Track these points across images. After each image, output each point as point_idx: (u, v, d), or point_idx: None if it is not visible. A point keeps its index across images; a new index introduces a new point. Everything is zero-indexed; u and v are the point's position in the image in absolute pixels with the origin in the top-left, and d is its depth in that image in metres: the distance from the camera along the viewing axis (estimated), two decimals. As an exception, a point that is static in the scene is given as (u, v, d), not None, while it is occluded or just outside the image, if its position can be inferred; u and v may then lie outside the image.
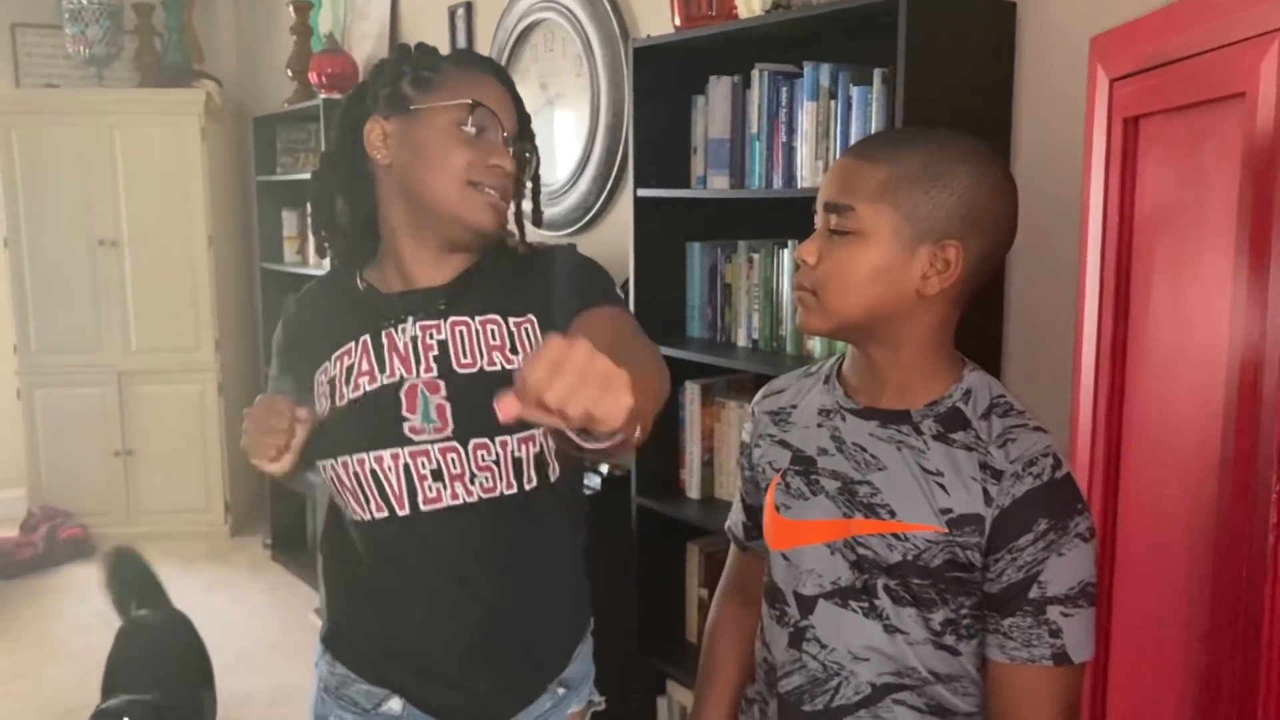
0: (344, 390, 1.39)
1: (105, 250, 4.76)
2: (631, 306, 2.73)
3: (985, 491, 1.13)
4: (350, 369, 1.39)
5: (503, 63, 3.55)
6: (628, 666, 2.72)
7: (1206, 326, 1.13)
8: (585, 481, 2.91)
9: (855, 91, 2.19)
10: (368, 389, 1.38)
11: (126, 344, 4.84)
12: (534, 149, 1.44)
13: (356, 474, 1.36)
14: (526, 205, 1.47)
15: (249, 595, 4.38)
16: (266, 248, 4.81)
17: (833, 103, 2.25)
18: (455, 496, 1.36)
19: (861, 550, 1.19)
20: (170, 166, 4.77)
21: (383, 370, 1.38)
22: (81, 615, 4.03)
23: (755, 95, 2.43)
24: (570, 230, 3.36)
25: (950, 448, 1.16)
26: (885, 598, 1.18)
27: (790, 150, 2.36)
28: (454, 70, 1.38)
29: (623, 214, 2.97)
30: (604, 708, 1.58)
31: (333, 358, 1.41)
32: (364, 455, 1.36)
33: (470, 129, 1.34)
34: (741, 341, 2.59)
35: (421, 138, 1.35)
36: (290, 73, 4.50)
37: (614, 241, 3.17)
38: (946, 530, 1.14)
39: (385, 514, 1.37)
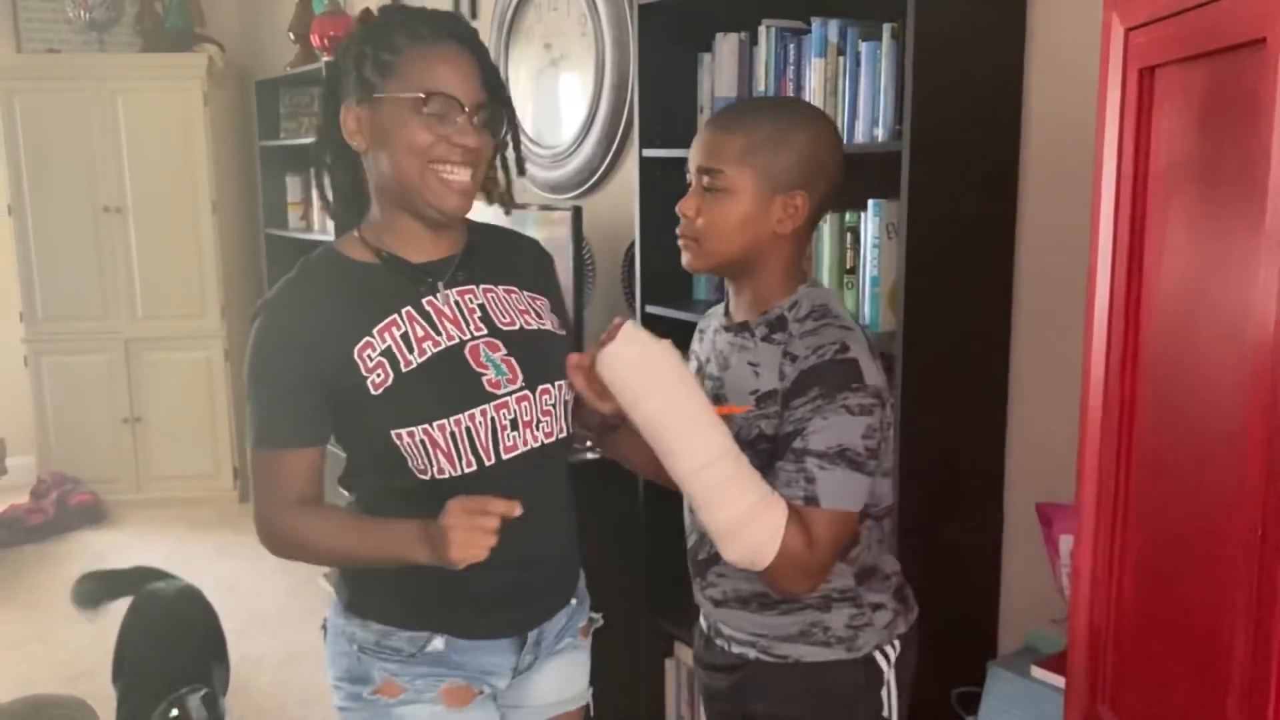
0: (409, 358, 1.43)
1: (110, 217, 4.74)
2: (637, 269, 2.71)
3: (782, 371, 1.44)
4: (406, 336, 1.44)
5: (505, 23, 3.51)
6: (636, 630, 2.72)
7: (1222, 282, 1.11)
8: (588, 446, 2.90)
9: (864, 47, 2.16)
10: (434, 352, 1.45)
11: (133, 310, 4.83)
12: (502, 111, 1.49)
13: (453, 434, 1.42)
14: (499, 180, 1.58)
15: (259, 560, 4.40)
16: (270, 213, 4.80)
17: (841, 59, 2.22)
18: (526, 443, 1.48)
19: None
20: (173, 132, 4.74)
21: (439, 334, 1.46)
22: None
23: (762, 52, 2.39)
24: (576, 192, 3.33)
25: (770, 344, 1.49)
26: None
27: (798, 108, 2.33)
28: (413, 49, 1.41)
29: (628, 175, 2.94)
30: (602, 624, 1.73)
31: (374, 331, 1.44)
32: (459, 415, 1.43)
33: (430, 112, 1.39)
34: (749, 303, 2.57)
35: (386, 124, 1.41)
36: (292, 35, 4.47)
37: (620, 203, 3.14)
38: (754, 406, 1.46)
39: (475, 468, 1.44)
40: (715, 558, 1.56)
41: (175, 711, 2.42)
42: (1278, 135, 0.94)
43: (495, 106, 1.46)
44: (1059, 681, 1.77)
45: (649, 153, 2.62)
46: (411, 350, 1.44)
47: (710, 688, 1.68)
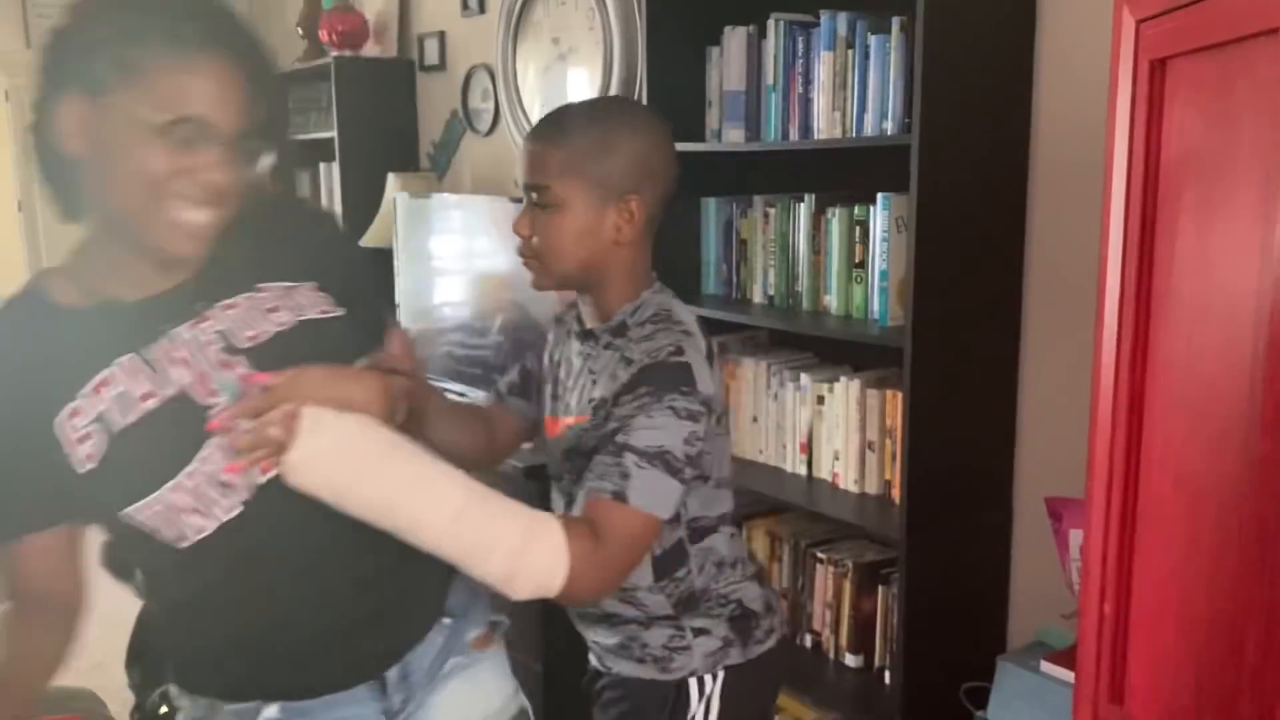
0: (125, 420, 1.17)
1: (119, 212, 4.76)
2: (646, 263, 2.70)
3: (616, 375, 1.39)
4: (123, 396, 1.18)
5: (514, 17, 3.50)
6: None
7: (1234, 274, 1.10)
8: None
9: (873, 40, 2.15)
10: (156, 406, 1.19)
11: (142, 306, 4.85)
12: (271, 140, 1.20)
13: (195, 486, 1.19)
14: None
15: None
16: (280, 208, 4.80)
17: (850, 52, 2.21)
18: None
19: (563, 443, 1.49)
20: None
21: (166, 383, 1.19)
22: (104, 573, 4.06)
23: (771, 46, 2.39)
24: (584, 187, 3.33)
25: (610, 351, 1.44)
26: (567, 479, 1.50)
27: (807, 102, 2.32)
28: (167, 53, 1.10)
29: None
30: (508, 624, 1.54)
31: (82, 394, 1.17)
32: (194, 464, 1.19)
33: (176, 135, 1.11)
34: (757, 298, 2.57)
35: (113, 136, 1.11)
36: (300, 31, 4.46)
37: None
38: (590, 416, 1.42)
39: (238, 510, 1.20)
40: (606, 617, 1.56)
41: (164, 709, 2.41)
42: (1291, 127, 0.93)
43: (258, 139, 1.18)
44: (1068, 676, 1.77)
45: (657, 147, 2.61)
46: (129, 410, 1.17)
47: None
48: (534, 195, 1.41)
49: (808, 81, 2.32)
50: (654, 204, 1.46)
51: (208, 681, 1.31)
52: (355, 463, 1.18)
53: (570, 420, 1.48)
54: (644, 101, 2.61)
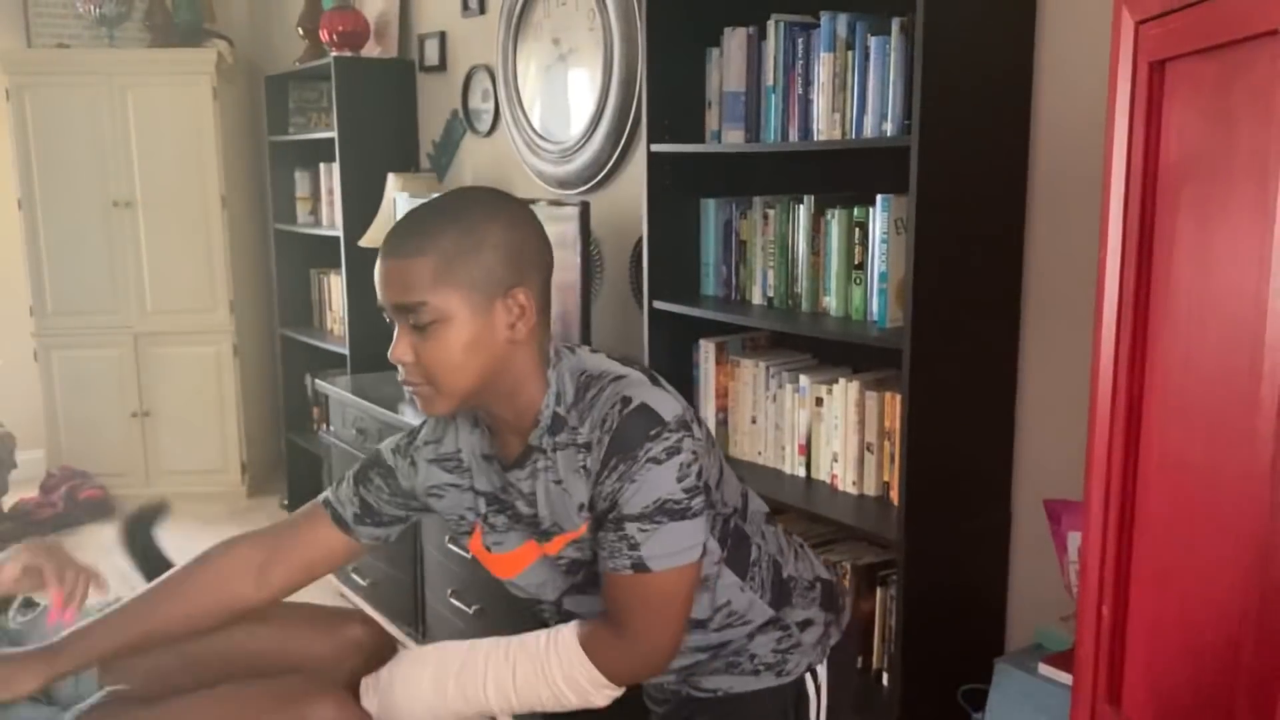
0: None
1: (119, 211, 4.75)
2: (644, 264, 2.70)
3: (584, 468, 1.32)
4: None
5: (514, 17, 3.50)
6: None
7: (1233, 277, 1.10)
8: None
9: (873, 42, 2.15)
10: None
11: (142, 305, 4.84)
12: None
13: None
14: None
15: (267, 555, 4.40)
16: (280, 208, 4.80)
17: (850, 54, 2.21)
18: None
19: (565, 560, 1.41)
20: (183, 127, 4.74)
21: None
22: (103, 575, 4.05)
23: (771, 47, 2.39)
24: (584, 188, 3.33)
25: (563, 450, 1.34)
26: (575, 591, 1.44)
27: (807, 103, 2.32)
28: None
29: (636, 171, 2.93)
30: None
31: None
32: None
33: None
34: (756, 299, 2.57)
35: None
36: (301, 31, 4.46)
37: (627, 198, 3.14)
38: (586, 526, 1.35)
39: None
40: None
41: None
42: (1289, 128, 0.93)
43: None
44: (1066, 679, 1.76)
45: (657, 148, 2.61)
46: None
47: (653, 714, 1.64)
48: (409, 317, 1.28)
49: (807, 83, 2.31)
50: (542, 290, 1.34)
51: None
52: (424, 697, 1.42)
53: (569, 536, 1.38)
54: (644, 103, 2.61)
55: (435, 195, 1.38)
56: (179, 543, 4.58)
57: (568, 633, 1.40)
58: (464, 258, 1.26)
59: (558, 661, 1.38)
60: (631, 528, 1.29)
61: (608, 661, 1.36)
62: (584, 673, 1.36)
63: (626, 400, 1.29)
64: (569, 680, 1.37)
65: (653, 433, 1.28)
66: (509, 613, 2.89)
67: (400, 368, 1.32)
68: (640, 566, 1.30)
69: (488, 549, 1.48)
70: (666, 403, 1.30)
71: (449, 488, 1.48)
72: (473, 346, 1.28)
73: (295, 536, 1.55)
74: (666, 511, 1.29)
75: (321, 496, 1.58)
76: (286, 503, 4.83)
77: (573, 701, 1.38)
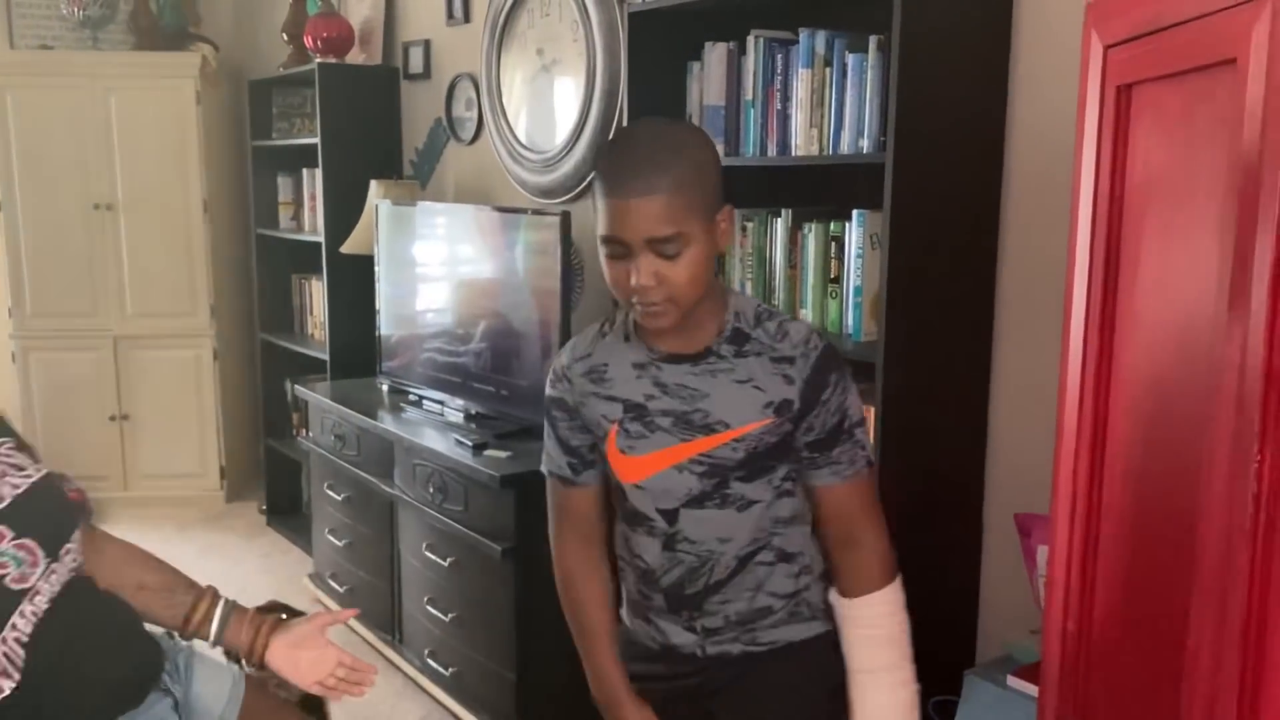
0: None
1: (101, 214, 4.73)
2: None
3: (785, 376, 1.47)
4: None
5: (498, 27, 3.52)
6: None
7: (1192, 296, 1.12)
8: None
9: (851, 59, 2.17)
10: None
11: (122, 308, 4.82)
12: None
13: (4, 654, 1.28)
14: None
15: (244, 559, 4.39)
16: (262, 213, 4.79)
17: (828, 70, 2.24)
18: (47, 609, 1.34)
19: (710, 462, 1.50)
20: (166, 130, 4.73)
21: None
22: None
23: (751, 62, 2.41)
24: (566, 197, 3.34)
25: (747, 358, 1.49)
26: (737, 485, 1.51)
27: (785, 118, 2.35)
28: None
29: (618, 181, 2.95)
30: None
31: None
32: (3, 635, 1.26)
33: None
34: (735, 310, 2.58)
35: None
36: (286, 36, 4.47)
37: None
38: (772, 418, 1.48)
39: (18, 678, 1.30)
40: (714, 586, 1.55)
41: None
42: (1246, 154, 0.95)
43: None
44: (1035, 691, 1.78)
45: (638, 159, 2.63)
46: None
47: (670, 690, 1.63)
48: (659, 247, 1.38)
49: (786, 98, 2.34)
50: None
51: None
52: None
53: (738, 431, 1.49)
54: (625, 115, 2.63)
55: (632, 127, 1.55)
56: (154, 546, 4.57)
57: (854, 608, 1.55)
58: (697, 185, 1.39)
59: (882, 624, 1.55)
60: (859, 432, 1.51)
61: (884, 572, 1.55)
62: (892, 601, 1.56)
63: (821, 335, 1.51)
64: (899, 621, 1.57)
65: (840, 355, 1.52)
66: (486, 621, 2.90)
67: (638, 293, 1.40)
68: (869, 463, 1.53)
69: (622, 451, 1.55)
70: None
71: (591, 396, 1.57)
72: (706, 262, 1.42)
73: (581, 519, 1.66)
74: (864, 417, 1.54)
75: (545, 471, 1.67)
76: (264, 508, 4.82)
77: (907, 624, 1.59)
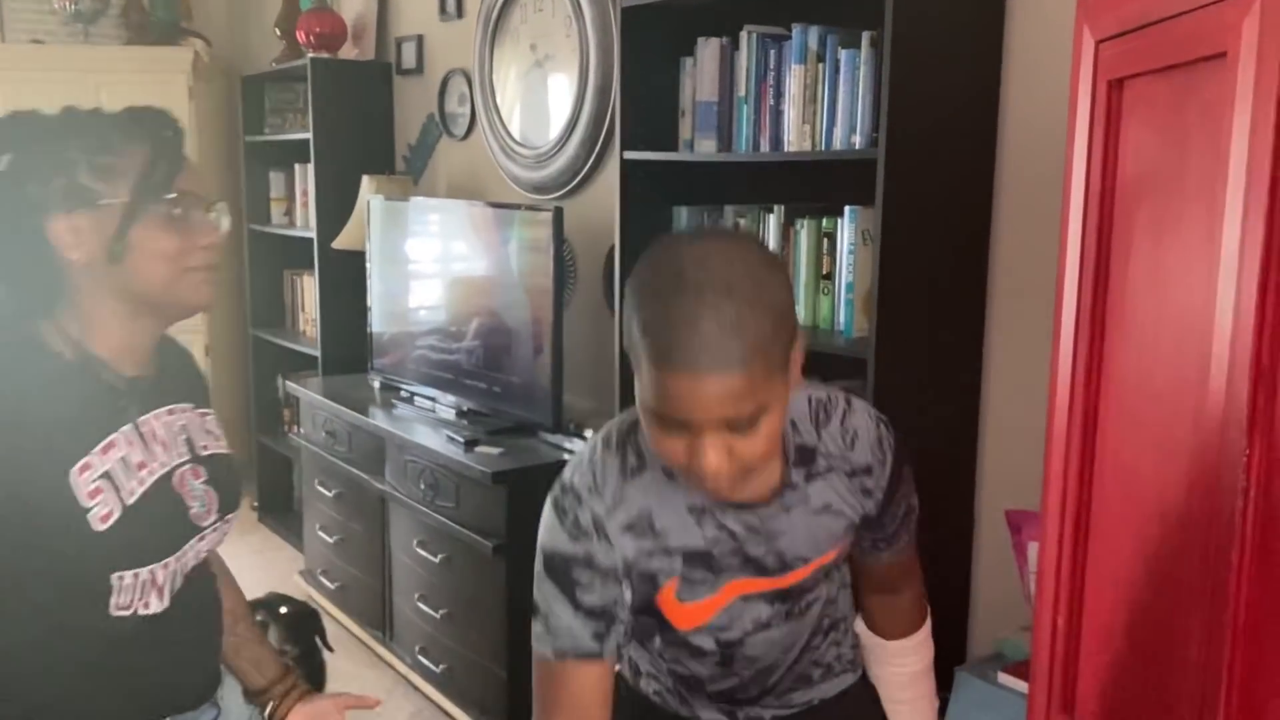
0: (131, 486, 1.28)
1: (91, 209, 4.72)
2: (616, 271, 2.71)
3: (864, 489, 1.33)
4: (126, 460, 1.28)
5: (491, 22, 3.51)
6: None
7: (1184, 293, 1.12)
8: (569, 445, 2.90)
9: (843, 55, 2.17)
10: (152, 481, 1.30)
11: (113, 304, 4.81)
12: (224, 204, 1.37)
13: (174, 571, 1.33)
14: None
15: (235, 556, 4.33)
16: (254, 208, 4.78)
17: (821, 66, 2.23)
18: (197, 573, 1.39)
19: (788, 591, 1.35)
20: (157, 125, 4.72)
21: (153, 459, 1.31)
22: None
23: (743, 58, 2.41)
24: (559, 193, 3.34)
25: (821, 479, 1.31)
26: (805, 595, 1.38)
27: (778, 114, 2.34)
28: (135, 149, 1.27)
29: (610, 177, 2.94)
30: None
31: (95, 451, 1.25)
32: (176, 553, 1.32)
33: (178, 213, 1.28)
34: (727, 307, 2.58)
35: (120, 232, 1.25)
36: (279, 31, 4.46)
37: (601, 205, 3.15)
38: (852, 537, 1.38)
39: (167, 604, 1.33)
40: (771, 688, 1.45)
41: None
42: (1236, 150, 0.95)
43: (218, 201, 1.36)
44: (1024, 688, 1.78)
45: (630, 155, 2.62)
46: (131, 477, 1.28)
47: None
48: (733, 425, 1.10)
49: (779, 94, 2.33)
50: None
51: None
52: None
53: (819, 562, 1.36)
54: (617, 111, 2.63)
55: (684, 261, 1.11)
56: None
57: (890, 649, 1.53)
58: (778, 338, 1.11)
59: (918, 658, 1.55)
60: (915, 503, 1.44)
61: (922, 613, 1.55)
62: (927, 635, 1.55)
63: (882, 418, 1.37)
64: (930, 649, 1.56)
65: (898, 433, 1.39)
66: (478, 617, 2.90)
67: (703, 475, 1.13)
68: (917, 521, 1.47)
69: (681, 600, 1.31)
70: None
71: (639, 555, 1.27)
72: (783, 416, 1.17)
73: (587, 708, 1.28)
74: None
75: (549, 653, 1.28)
76: (255, 505, 4.81)
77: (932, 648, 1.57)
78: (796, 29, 2.27)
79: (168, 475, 1.32)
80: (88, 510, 1.23)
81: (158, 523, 1.30)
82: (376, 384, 3.72)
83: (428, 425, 3.23)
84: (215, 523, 1.39)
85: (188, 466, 1.36)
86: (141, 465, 1.29)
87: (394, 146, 4.20)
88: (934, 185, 2.07)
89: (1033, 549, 1.93)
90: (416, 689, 3.22)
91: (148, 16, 4.90)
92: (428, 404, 3.42)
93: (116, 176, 1.25)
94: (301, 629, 2.63)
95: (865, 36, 2.12)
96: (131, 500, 1.26)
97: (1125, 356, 1.29)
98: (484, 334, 3.25)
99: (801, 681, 1.48)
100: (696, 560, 1.28)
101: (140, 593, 1.28)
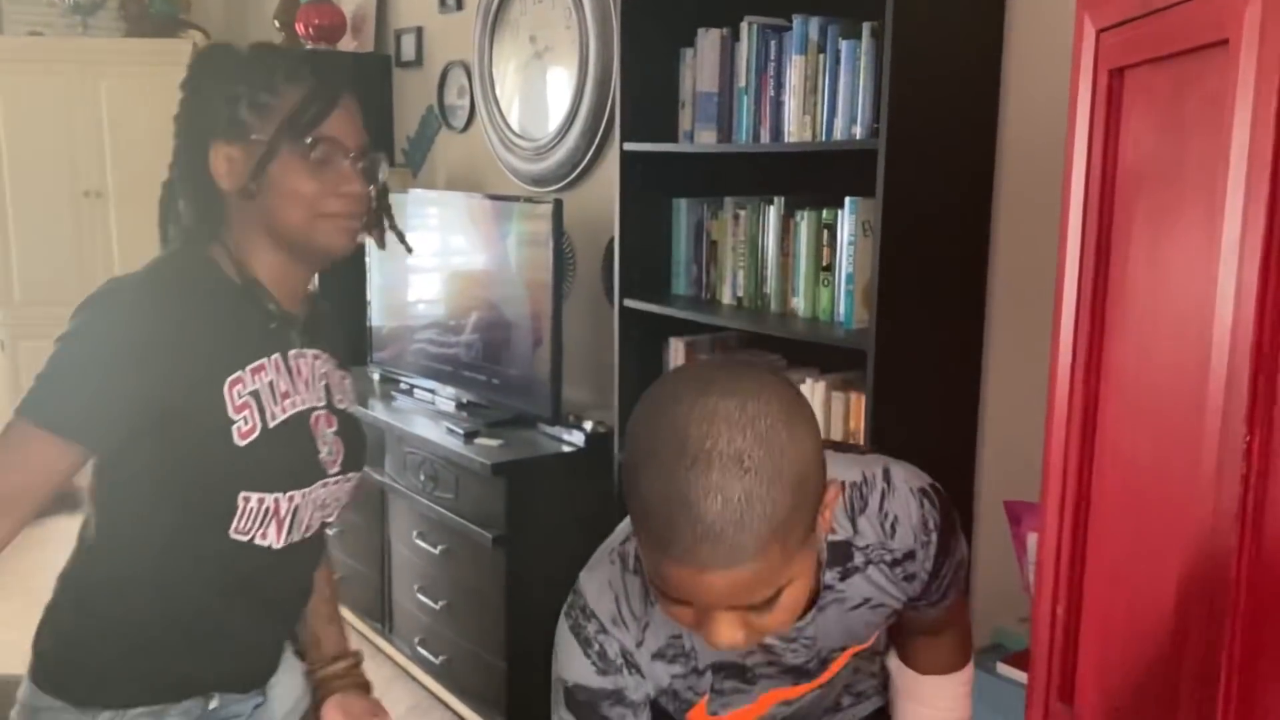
0: (274, 411, 1.33)
1: (90, 202, 4.72)
2: (616, 263, 2.71)
3: (907, 575, 1.22)
4: (273, 386, 1.34)
5: (491, 14, 3.51)
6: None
7: (1184, 282, 1.12)
8: (568, 437, 2.91)
9: (844, 46, 2.17)
10: (294, 412, 1.35)
11: (112, 296, 4.80)
12: (378, 157, 1.40)
13: (297, 506, 1.36)
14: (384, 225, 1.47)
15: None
16: (253, 201, 4.78)
17: (821, 56, 2.23)
18: (314, 525, 1.43)
19: (825, 684, 1.31)
20: (156, 118, 4.66)
21: (297, 393, 1.37)
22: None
23: (744, 48, 2.40)
24: (558, 185, 3.34)
25: (859, 574, 1.19)
26: (853, 674, 1.38)
27: (778, 105, 2.34)
28: (292, 91, 1.32)
29: (610, 169, 2.94)
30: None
31: (248, 368, 1.32)
32: (303, 489, 1.36)
33: (316, 158, 1.31)
34: (726, 299, 2.58)
35: (267, 169, 1.31)
36: (278, 24, 4.45)
37: (601, 197, 3.14)
38: (882, 628, 1.31)
39: (283, 544, 1.37)
40: (832, 709, 1.44)
41: None
42: (1237, 138, 0.95)
43: (371, 155, 1.38)
44: (1023, 678, 1.79)
45: (630, 147, 2.62)
46: (275, 403, 1.33)
47: None
48: (751, 607, 1.00)
49: (779, 85, 2.33)
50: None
51: (168, 683, 1.39)
52: None
53: (864, 645, 1.32)
54: (617, 102, 2.62)
55: (697, 435, 0.93)
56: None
57: (924, 685, 1.43)
58: (791, 519, 0.95)
59: (953, 706, 1.44)
60: (962, 565, 1.32)
61: (965, 651, 1.45)
62: (967, 682, 1.45)
63: (921, 490, 1.22)
64: (968, 703, 1.46)
65: (941, 500, 1.25)
66: (477, 609, 2.90)
67: (724, 646, 1.03)
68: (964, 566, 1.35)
69: (713, 714, 1.26)
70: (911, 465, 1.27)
71: (671, 680, 1.21)
72: (810, 581, 1.05)
73: None
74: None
75: None
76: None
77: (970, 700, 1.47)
78: (797, 20, 2.27)
79: (306, 413, 1.38)
80: (233, 423, 1.28)
81: (291, 453, 1.35)
82: (376, 376, 3.72)
83: (427, 417, 3.23)
84: (338, 475, 1.42)
85: (323, 412, 1.41)
86: (285, 395, 1.35)
87: (393, 139, 4.19)
88: (934, 176, 2.07)
89: (1032, 540, 1.93)
90: (416, 680, 3.22)
91: (146, 8, 4.90)
92: (427, 396, 3.42)
93: (270, 114, 1.31)
94: None
95: (866, 27, 2.12)
96: (273, 424, 1.32)
97: (1125, 346, 1.29)
98: (483, 326, 3.25)
99: (830, 712, 1.45)
100: (730, 672, 1.21)
101: (261, 520, 1.32)
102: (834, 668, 1.27)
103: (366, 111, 1.43)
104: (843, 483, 1.17)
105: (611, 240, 2.80)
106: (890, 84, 1.95)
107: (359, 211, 1.36)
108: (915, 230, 2.04)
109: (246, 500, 1.30)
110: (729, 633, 1.00)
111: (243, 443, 1.29)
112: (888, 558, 1.19)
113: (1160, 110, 1.20)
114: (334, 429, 1.42)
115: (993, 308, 2.22)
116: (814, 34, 2.24)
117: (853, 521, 1.18)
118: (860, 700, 1.48)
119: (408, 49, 4.03)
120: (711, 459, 0.91)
